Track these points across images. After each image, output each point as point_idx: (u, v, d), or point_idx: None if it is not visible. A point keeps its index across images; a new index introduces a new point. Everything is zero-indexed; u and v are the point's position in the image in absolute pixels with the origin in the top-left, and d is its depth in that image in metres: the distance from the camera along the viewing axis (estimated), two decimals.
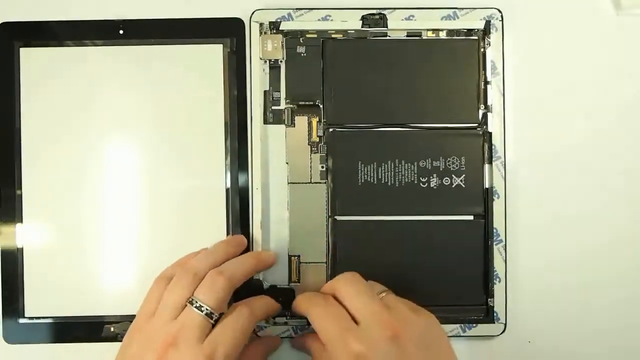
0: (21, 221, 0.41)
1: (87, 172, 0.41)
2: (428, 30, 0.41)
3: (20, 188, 0.41)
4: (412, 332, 0.34)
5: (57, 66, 0.42)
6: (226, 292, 0.36)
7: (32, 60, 0.41)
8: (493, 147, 0.41)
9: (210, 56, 0.41)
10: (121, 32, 0.41)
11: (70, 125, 0.41)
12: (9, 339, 0.41)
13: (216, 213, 0.41)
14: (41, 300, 0.41)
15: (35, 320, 0.41)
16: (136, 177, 0.41)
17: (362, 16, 0.41)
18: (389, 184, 0.41)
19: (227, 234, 0.41)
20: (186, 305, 0.35)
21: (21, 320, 0.41)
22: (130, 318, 0.40)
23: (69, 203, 0.41)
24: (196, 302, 0.35)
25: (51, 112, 0.41)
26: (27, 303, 0.41)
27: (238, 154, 0.41)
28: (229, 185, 0.41)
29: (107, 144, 0.41)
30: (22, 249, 0.41)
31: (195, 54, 0.41)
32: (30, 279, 0.41)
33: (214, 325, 0.35)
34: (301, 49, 0.41)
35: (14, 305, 0.41)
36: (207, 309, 0.35)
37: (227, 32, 0.41)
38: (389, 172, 0.41)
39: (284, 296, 0.41)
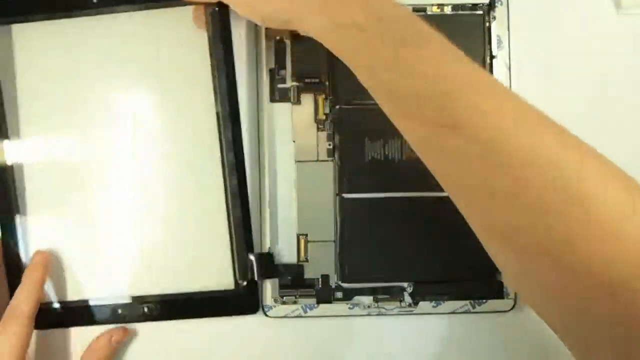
0: (25, 214, 0.41)
1: (83, 160, 0.41)
2: (433, 5, 0.41)
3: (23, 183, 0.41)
4: None
5: (34, 43, 0.40)
6: None
7: (8, 39, 0.40)
8: None
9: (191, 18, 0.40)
10: (94, 0, 0.40)
11: (58, 111, 0.41)
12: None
13: (212, 180, 0.40)
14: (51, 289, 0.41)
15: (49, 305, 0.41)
16: (127, 155, 0.41)
17: None
18: (396, 160, 0.41)
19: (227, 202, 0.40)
20: None
21: None
22: (135, 300, 0.40)
23: (71, 195, 0.41)
24: None
25: (35, 99, 0.40)
26: None
27: (230, 119, 0.39)
28: (225, 159, 0.40)
29: (98, 128, 0.40)
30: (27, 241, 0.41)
31: (176, 17, 0.40)
32: None
33: None
34: None
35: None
36: None
37: None
38: (396, 149, 0.41)
39: (293, 274, 0.41)
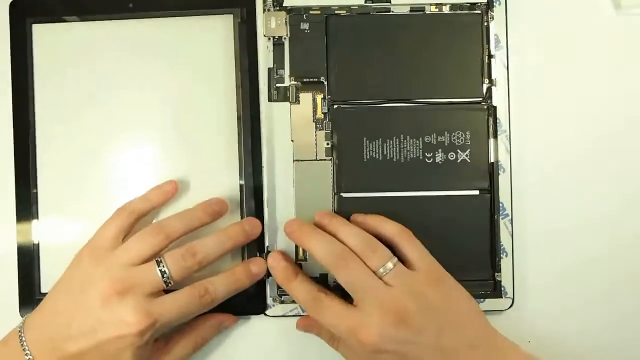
0: (37, 218, 0.41)
1: (99, 163, 0.41)
2: (431, 4, 0.41)
3: (36, 186, 0.41)
4: (418, 311, 0.35)
5: (69, 42, 0.41)
6: (192, 271, 0.37)
7: (44, 37, 0.41)
8: (498, 121, 0.41)
9: (221, 27, 0.41)
10: (131, 5, 0.41)
11: (83, 111, 0.41)
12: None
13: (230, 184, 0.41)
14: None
15: None
16: (146, 160, 0.41)
17: None
18: (394, 159, 0.41)
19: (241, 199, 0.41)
20: (149, 260, 0.36)
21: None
22: None
23: (83, 196, 0.41)
24: (162, 265, 0.36)
25: (63, 96, 0.41)
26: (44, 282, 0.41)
27: (251, 127, 0.41)
28: (242, 160, 0.41)
29: (119, 131, 0.41)
30: (38, 244, 0.41)
31: (205, 26, 0.41)
32: (46, 272, 0.41)
33: (165, 291, 0.36)
34: (305, 26, 0.41)
35: (31, 281, 0.41)
36: (167, 277, 0.36)
37: (236, 2, 0.41)
38: (394, 148, 0.41)
39: None
